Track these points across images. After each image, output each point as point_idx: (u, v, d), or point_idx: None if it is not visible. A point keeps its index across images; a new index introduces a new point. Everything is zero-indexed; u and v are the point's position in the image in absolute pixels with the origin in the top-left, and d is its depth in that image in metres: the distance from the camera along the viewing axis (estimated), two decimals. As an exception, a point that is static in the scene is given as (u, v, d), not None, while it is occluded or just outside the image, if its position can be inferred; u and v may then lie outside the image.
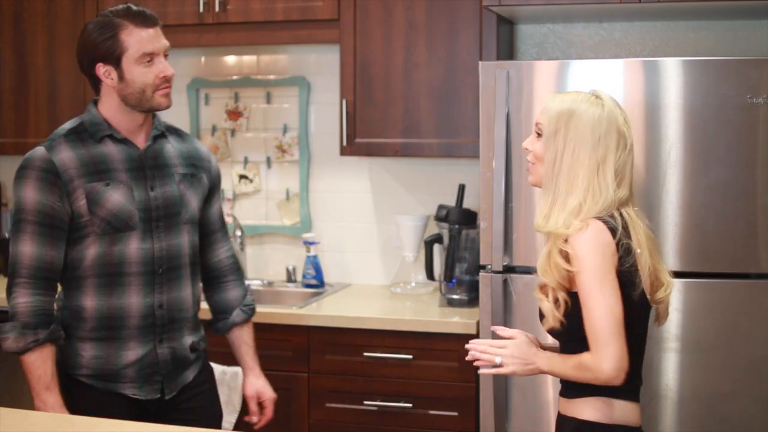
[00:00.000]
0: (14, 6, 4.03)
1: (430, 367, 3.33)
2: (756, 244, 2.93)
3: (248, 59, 4.15)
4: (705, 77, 2.92)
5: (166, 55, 2.52)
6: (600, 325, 2.09)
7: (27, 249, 2.42)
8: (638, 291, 2.18)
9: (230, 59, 4.17)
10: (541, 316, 2.25)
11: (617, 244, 2.14)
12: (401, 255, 3.90)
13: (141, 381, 2.51)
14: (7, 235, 4.24)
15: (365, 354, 3.39)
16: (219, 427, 2.67)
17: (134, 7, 2.49)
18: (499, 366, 2.22)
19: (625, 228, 2.17)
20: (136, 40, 2.45)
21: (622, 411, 2.19)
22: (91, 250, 2.46)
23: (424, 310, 3.53)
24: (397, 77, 3.60)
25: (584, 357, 2.13)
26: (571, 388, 2.22)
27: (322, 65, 4.04)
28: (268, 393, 2.75)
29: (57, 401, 2.43)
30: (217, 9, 3.74)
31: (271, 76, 4.13)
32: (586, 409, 2.19)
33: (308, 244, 3.98)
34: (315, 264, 3.97)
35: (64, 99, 4.00)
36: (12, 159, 4.31)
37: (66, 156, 2.46)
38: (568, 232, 2.14)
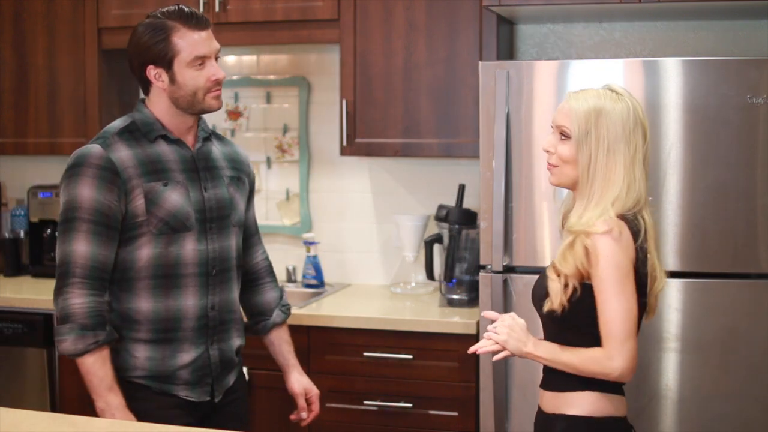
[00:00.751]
0: (14, 6, 4.03)
1: (430, 367, 3.33)
2: (756, 244, 2.93)
3: (248, 59, 4.15)
4: (705, 77, 2.92)
5: (216, 58, 2.50)
6: (619, 325, 2.11)
7: (81, 248, 2.37)
8: (646, 297, 2.20)
9: (230, 59, 4.17)
10: (540, 296, 2.24)
11: (639, 248, 2.15)
12: (401, 255, 3.90)
13: (193, 383, 2.50)
14: (7, 235, 4.23)
15: (365, 354, 3.39)
16: None
17: (186, 9, 2.46)
18: (495, 332, 2.23)
19: (645, 232, 2.17)
20: (189, 43, 2.43)
21: (615, 403, 2.21)
22: (145, 251, 2.43)
23: (424, 310, 3.53)
24: (397, 77, 3.60)
25: (596, 353, 2.14)
26: (561, 381, 2.22)
27: (322, 65, 4.04)
28: (315, 389, 2.78)
29: (121, 402, 2.39)
30: (217, 9, 3.74)
31: (271, 76, 4.13)
32: (580, 404, 2.20)
33: (308, 244, 3.98)
34: (315, 264, 3.97)
35: (64, 99, 4.00)
36: (12, 159, 4.31)
37: (124, 155, 2.42)
38: (594, 230, 2.13)
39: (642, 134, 2.21)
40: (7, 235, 4.24)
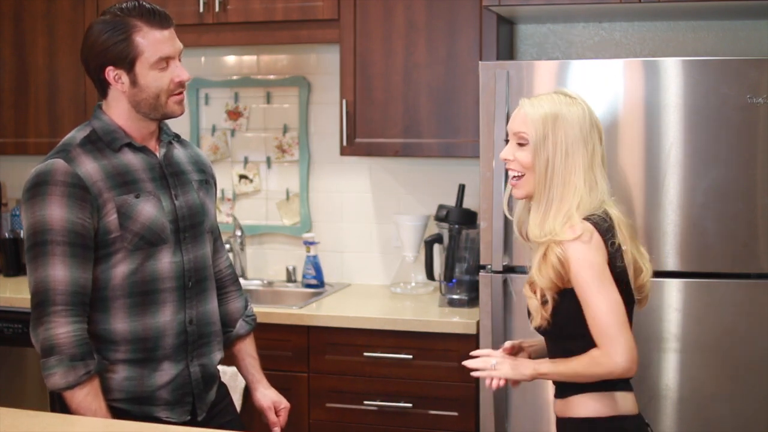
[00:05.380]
0: (14, 6, 4.03)
1: (430, 367, 3.33)
2: (756, 244, 2.93)
3: (248, 59, 4.15)
4: (705, 77, 2.92)
5: (179, 58, 2.33)
6: (607, 321, 2.11)
7: (60, 273, 2.19)
8: (631, 289, 2.21)
9: (230, 59, 4.17)
10: (529, 313, 2.26)
11: (609, 244, 2.16)
12: (401, 255, 3.90)
13: (173, 403, 2.36)
14: (7, 235, 4.23)
15: (365, 354, 3.39)
16: None
17: (146, 5, 2.27)
18: (494, 369, 2.23)
19: (612, 228, 2.18)
20: (152, 43, 2.25)
21: (620, 402, 2.21)
22: (120, 269, 2.27)
23: (424, 310, 3.53)
24: (397, 77, 3.60)
25: (594, 353, 2.14)
26: (564, 387, 2.23)
27: (322, 65, 4.04)
28: (284, 402, 2.64)
29: None
30: (217, 9, 3.74)
31: (271, 76, 4.13)
32: (584, 406, 2.20)
33: (308, 244, 3.98)
34: (315, 264, 3.97)
35: (64, 99, 4.00)
36: (12, 159, 4.31)
37: (90, 168, 2.24)
38: (564, 238, 2.14)
39: (598, 136, 2.23)
40: (7, 235, 4.24)
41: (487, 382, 2.25)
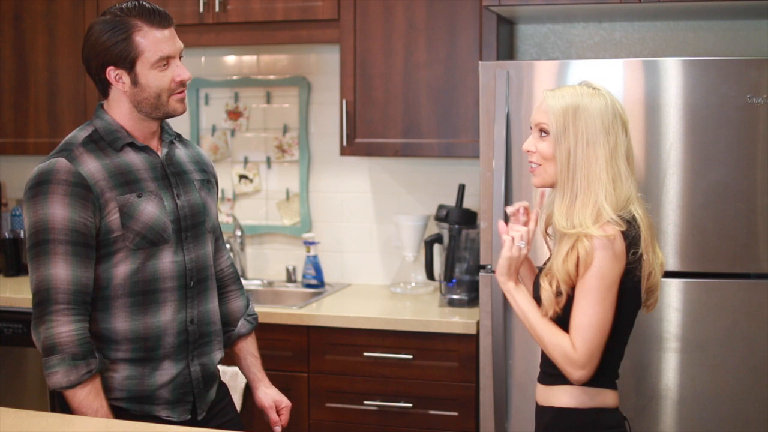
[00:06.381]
0: (14, 6, 4.03)
1: (430, 367, 3.33)
2: (756, 244, 2.93)
3: (248, 59, 4.15)
4: (705, 77, 2.92)
5: (180, 57, 2.34)
6: (591, 335, 2.14)
7: (62, 272, 2.20)
8: (639, 297, 2.21)
9: (230, 59, 4.17)
10: (538, 300, 2.25)
11: (629, 253, 2.16)
12: (401, 255, 3.91)
13: (174, 402, 2.37)
14: (7, 235, 4.23)
15: (365, 354, 3.39)
16: None
17: (147, 5, 2.29)
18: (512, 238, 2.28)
19: (638, 236, 2.17)
20: (152, 42, 2.26)
21: (600, 396, 2.23)
22: (122, 268, 2.28)
23: (424, 310, 3.53)
24: (397, 77, 3.60)
25: (565, 345, 2.16)
26: (552, 376, 2.25)
27: (322, 65, 4.04)
28: (285, 401, 2.64)
29: None
30: (217, 9, 3.74)
31: (271, 76, 4.13)
32: (566, 396, 2.22)
33: (308, 244, 3.98)
34: (315, 264, 3.97)
35: (64, 99, 4.00)
36: (12, 159, 4.31)
37: (93, 167, 2.26)
38: (595, 233, 2.13)
39: (622, 128, 2.21)
40: (7, 235, 4.24)
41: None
